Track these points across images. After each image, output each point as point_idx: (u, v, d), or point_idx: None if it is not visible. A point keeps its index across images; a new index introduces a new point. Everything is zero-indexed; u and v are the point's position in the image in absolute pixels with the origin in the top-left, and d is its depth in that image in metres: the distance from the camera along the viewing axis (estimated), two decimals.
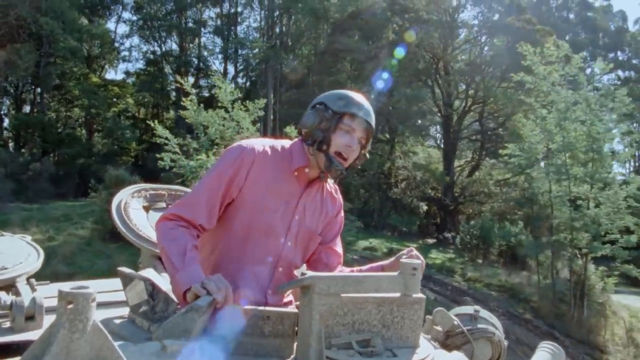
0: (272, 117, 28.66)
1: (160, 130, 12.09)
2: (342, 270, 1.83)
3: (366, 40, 25.73)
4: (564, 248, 14.85)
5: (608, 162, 14.16)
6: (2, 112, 30.18)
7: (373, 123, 1.70)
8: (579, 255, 14.61)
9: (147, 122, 13.25)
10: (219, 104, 12.62)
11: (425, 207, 26.32)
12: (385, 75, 22.22)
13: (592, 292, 14.77)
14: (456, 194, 26.32)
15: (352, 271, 1.79)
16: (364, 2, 27.62)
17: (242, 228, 1.62)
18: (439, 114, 28.02)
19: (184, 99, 13.24)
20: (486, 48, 28.60)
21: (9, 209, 18.48)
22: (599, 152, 13.82)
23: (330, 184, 1.85)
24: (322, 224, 1.79)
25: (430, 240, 24.65)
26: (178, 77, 14.03)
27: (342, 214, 1.89)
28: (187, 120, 12.90)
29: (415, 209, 25.81)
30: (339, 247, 1.87)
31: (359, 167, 1.81)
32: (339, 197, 1.88)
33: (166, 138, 12.03)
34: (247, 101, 12.72)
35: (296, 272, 1.99)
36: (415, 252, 1.62)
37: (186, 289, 1.34)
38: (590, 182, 14.01)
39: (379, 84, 22.02)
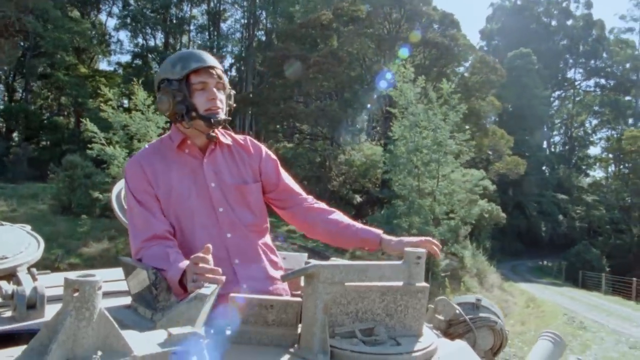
0: (249, 111, 29.81)
1: (89, 126, 14.29)
2: (318, 206, 1.86)
3: (312, 47, 28.43)
4: (406, 230, 17.21)
5: (448, 162, 17.03)
6: None
7: (213, 62, 1.70)
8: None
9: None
10: (135, 108, 14.99)
11: (359, 199, 28.49)
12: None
13: (436, 268, 17.36)
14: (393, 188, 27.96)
15: (344, 223, 1.81)
16: (317, 11, 30.11)
17: (175, 225, 1.65)
18: (376, 115, 30.64)
19: (102, 105, 15.88)
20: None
21: None
22: (441, 153, 16.75)
23: (236, 137, 1.85)
24: (248, 174, 1.79)
25: None
26: (103, 87, 17.07)
27: (268, 153, 1.89)
28: (109, 120, 14.94)
29: (350, 200, 27.88)
30: (290, 183, 1.89)
31: (235, 106, 1.82)
32: (251, 142, 1.87)
33: (95, 132, 14.31)
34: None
35: (286, 256, 1.99)
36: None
37: (180, 276, 1.37)
38: (434, 177, 17.16)
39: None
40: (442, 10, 30.27)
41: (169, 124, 14.53)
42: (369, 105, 28.89)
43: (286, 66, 26.53)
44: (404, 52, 24.57)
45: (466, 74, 32.24)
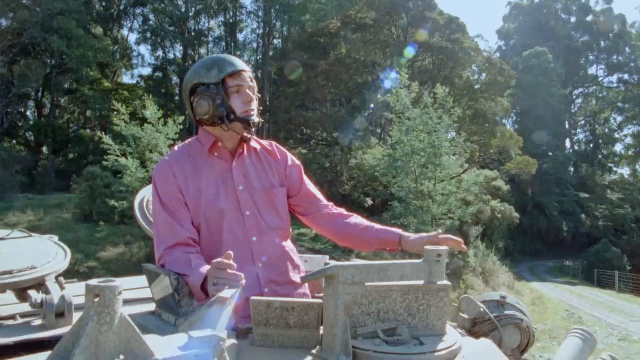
0: (266, 118, 30.51)
1: (106, 139, 15.22)
2: (336, 210, 1.89)
3: (322, 55, 28.97)
4: (405, 229, 17.19)
5: (446, 165, 17.55)
6: (26, 115, 34.20)
7: (245, 66, 1.72)
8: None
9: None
10: (147, 121, 15.84)
11: (370, 202, 28.78)
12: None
13: None
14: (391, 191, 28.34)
15: (364, 225, 1.82)
16: (327, 19, 30.91)
17: (203, 227, 1.66)
18: (386, 120, 30.49)
19: (115, 119, 16.78)
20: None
21: (17, 198, 22.72)
22: (438, 156, 17.27)
23: (263, 143, 1.86)
24: (275, 179, 1.80)
25: None
26: (116, 103, 17.97)
27: (293, 159, 1.90)
28: (122, 133, 15.78)
29: (362, 204, 28.20)
30: (312, 189, 1.91)
31: (261, 108, 1.82)
32: (277, 148, 1.89)
33: (111, 145, 15.18)
34: (169, 119, 15.96)
35: (308, 259, 1.98)
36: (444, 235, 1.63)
37: (202, 281, 1.39)
38: (432, 179, 17.72)
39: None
40: (448, 15, 30.14)
41: (178, 135, 15.28)
42: (374, 110, 29.16)
43: (288, 70, 27.15)
44: (410, 52, 24.79)
45: (473, 77, 32.07)
